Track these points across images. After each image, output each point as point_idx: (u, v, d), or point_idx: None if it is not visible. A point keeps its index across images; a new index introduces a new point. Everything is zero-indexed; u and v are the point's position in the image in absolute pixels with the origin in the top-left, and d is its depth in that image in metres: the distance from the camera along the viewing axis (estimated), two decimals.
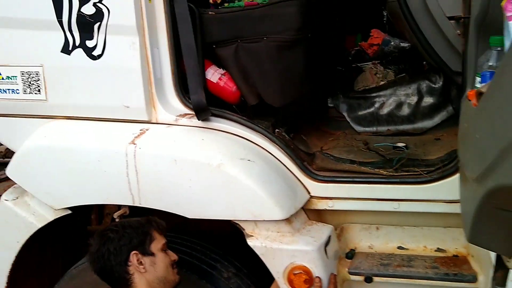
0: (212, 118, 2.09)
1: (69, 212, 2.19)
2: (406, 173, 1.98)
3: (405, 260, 2.06)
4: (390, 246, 2.16)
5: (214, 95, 2.21)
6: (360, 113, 2.53)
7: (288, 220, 1.94)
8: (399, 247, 2.14)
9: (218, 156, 1.93)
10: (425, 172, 1.94)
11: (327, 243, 1.95)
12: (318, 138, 2.47)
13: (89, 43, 2.06)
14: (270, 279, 1.99)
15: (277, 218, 1.89)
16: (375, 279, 2.00)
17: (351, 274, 2.02)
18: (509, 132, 0.84)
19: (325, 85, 2.61)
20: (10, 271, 2.29)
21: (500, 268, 1.45)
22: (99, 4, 2.01)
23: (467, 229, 1.31)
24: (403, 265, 2.02)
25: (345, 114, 2.57)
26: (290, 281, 1.89)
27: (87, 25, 2.04)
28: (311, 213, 2.12)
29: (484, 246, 1.36)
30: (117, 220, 2.15)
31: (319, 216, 2.15)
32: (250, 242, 1.93)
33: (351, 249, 2.15)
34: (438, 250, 2.08)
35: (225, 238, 2.24)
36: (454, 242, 2.05)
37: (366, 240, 2.18)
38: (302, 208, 2.07)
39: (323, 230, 2.01)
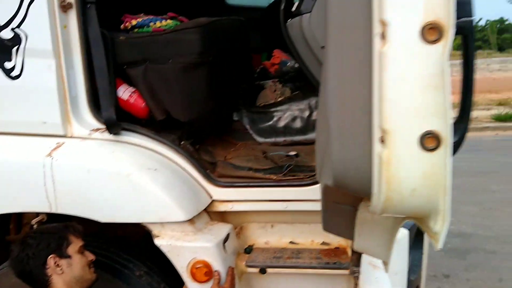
0: (123, 132, 2.34)
1: None
2: (292, 177, 2.31)
3: (294, 253, 2.39)
4: (283, 241, 2.48)
5: (126, 111, 2.46)
6: (261, 126, 2.85)
7: (191, 221, 2.21)
8: (291, 242, 2.47)
9: (127, 166, 2.18)
10: (307, 176, 2.27)
11: (225, 240, 2.24)
12: (223, 148, 2.76)
13: (8, 65, 2.25)
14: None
15: (180, 220, 2.16)
16: (269, 270, 2.31)
17: (248, 267, 2.32)
18: (320, 139, 1.15)
19: (230, 101, 2.91)
20: None
21: (354, 251, 1.79)
22: (17, 30, 2.20)
23: (322, 220, 1.65)
24: (293, 257, 2.35)
25: (248, 126, 2.88)
26: (192, 274, 2.16)
27: (6, 48, 2.23)
28: (214, 214, 2.41)
29: (334, 233, 1.69)
30: (35, 226, 2.35)
31: (222, 217, 2.44)
32: (157, 241, 2.18)
33: (249, 245, 2.45)
34: (323, 243, 2.42)
35: (140, 241, 2.48)
36: (337, 236, 2.40)
37: (263, 237, 2.50)
38: (205, 210, 2.35)
39: (222, 229, 2.30)
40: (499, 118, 12.77)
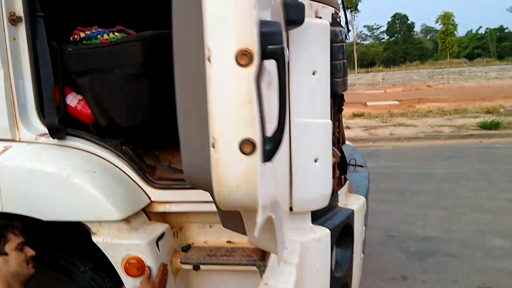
0: (68, 137, 2.51)
1: None
2: None
3: (228, 251, 2.56)
4: (221, 240, 2.65)
5: (74, 118, 2.64)
6: None
7: (126, 220, 2.38)
8: (228, 241, 2.64)
9: (67, 168, 2.35)
10: None
11: (159, 238, 2.41)
12: (171, 153, 2.93)
13: None
14: None
15: (115, 219, 2.33)
16: (202, 267, 2.49)
17: (182, 264, 2.49)
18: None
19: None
20: None
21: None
22: None
23: (220, 218, 1.83)
24: (226, 255, 2.52)
25: None
26: (126, 269, 2.33)
27: None
28: (154, 215, 2.58)
29: (233, 229, 1.87)
30: None
31: (163, 218, 2.61)
32: (94, 238, 2.36)
33: (188, 244, 2.63)
34: None
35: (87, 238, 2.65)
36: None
37: (202, 236, 2.67)
38: (144, 211, 2.53)
39: (158, 228, 2.47)
40: (484, 126, 12.97)
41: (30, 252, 2.27)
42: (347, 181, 2.94)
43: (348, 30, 3.34)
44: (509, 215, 6.14)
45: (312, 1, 2.33)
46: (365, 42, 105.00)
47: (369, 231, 5.77)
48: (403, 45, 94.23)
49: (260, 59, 1.02)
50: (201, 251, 2.58)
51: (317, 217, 2.44)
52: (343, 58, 2.54)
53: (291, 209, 2.32)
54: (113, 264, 2.36)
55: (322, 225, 2.42)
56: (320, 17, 2.40)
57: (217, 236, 2.66)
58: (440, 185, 7.69)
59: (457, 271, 4.72)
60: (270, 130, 1.09)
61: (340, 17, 3.12)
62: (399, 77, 48.77)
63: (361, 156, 3.97)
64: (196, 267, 2.49)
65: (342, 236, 2.64)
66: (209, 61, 1.04)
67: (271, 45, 1.02)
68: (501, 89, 25.08)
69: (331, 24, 2.63)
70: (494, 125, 12.85)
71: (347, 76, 2.65)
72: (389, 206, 6.74)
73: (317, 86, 2.19)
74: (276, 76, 1.07)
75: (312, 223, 2.42)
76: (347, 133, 13.62)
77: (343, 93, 3.70)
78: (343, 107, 2.85)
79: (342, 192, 2.76)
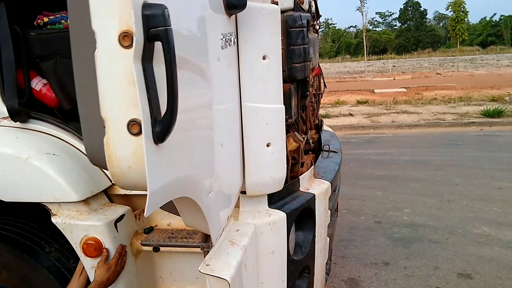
0: (31, 120, 2.56)
1: None
2: None
3: (189, 233, 2.60)
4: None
5: (39, 101, 2.68)
6: None
7: (86, 202, 2.43)
8: None
9: (27, 151, 2.40)
10: None
11: (118, 220, 2.46)
12: None
13: None
14: None
15: (73, 200, 2.38)
16: (162, 249, 2.53)
17: (142, 245, 2.54)
18: None
19: None
20: None
21: None
22: None
23: None
24: (186, 237, 2.56)
25: None
26: (84, 250, 2.38)
27: None
28: (117, 197, 2.63)
29: (170, 212, 1.91)
30: None
31: (127, 200, 2.66)
32: (53, 219, 2.41)
33: (151, 226, 2.67)
34: None
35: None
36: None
37: (166, 219, 2.71)
38: (106, 193, 2.57)
39: (118, 210, 2.51)
40: (487, 114, 12.86)
41: None
42: (312, 166, 2.96)
43: (319, 16, 3.33)
44: (497, 203, 6.13)
45: None
46: (377, 29, 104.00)
47: (356, 216, 5.84)
48: (415, 32, 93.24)
49: (144, 41, 1.05)
50: (162, 233, 2.62)
51: (275, 200, 2.48)
52: (303, 43, 2.54)
53: (244, 192, 2.36)
54: (72, 245, 2.41)
55: (278, 208, 2.45)
56: (277, 2, 2.41)
57: (180, 218, 2.69)
58: (434, 172, 7.68)
59: (439, 258, 4.74)
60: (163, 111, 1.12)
61: (307, 2, 3.13)
62: (410, 64, 48.32)
63: (338, 142, 3.98)
64: (156, 249, 2.53)
65: (303, 220, 2.68)
66: (95, 42, 1.07)
67: (155, 28, 1.04)
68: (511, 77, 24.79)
69: (292, 9, 2.65)
70: (497, 113, 12.74)
71: (308, 61, 2.65)
72: (380, 192, 6.76)
73: (268, 71, 2.20)
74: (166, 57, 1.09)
75: (269, 207, 2.45)
76: (350, 120, 13.62)
77: (323, 78, 3.71)
78: (307, 93, 2.85)
79: (305, 176, 2.79)
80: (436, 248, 4.96)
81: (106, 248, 2.38)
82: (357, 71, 41.30)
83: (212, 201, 1.69)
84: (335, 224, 3.48)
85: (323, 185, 2.88)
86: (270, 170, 2.32)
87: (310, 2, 3.26)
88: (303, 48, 2.55)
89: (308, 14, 2.75)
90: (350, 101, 17.65)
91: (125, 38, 1.04)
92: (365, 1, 36.96)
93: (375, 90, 22.09)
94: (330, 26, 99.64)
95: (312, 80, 3.64)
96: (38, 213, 2.71)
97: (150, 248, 2.55)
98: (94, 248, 2.37)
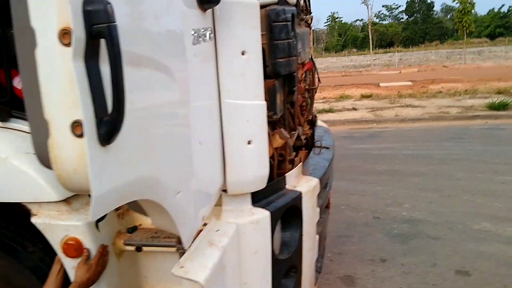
0: (12, 119, 2.52)
1: None
2: None
3: (173, 233, 2.56)
4: None
5: (22, 100, 2.64)
6: None
7: (66, 201, 2.39)
8: None
9: (6, 150, 2.36)
10: None
11: (99, 220, 2.42)
12: None
13: None
14: None
15: (53, 200, 2.34)
16: (144, 248, 2.49)
17: (125, 245, 2.50)
18: None
19: None
20: None
21: None
22: None
23: None
24: (169, 237, 2.52)
25: None
26: (64, 250, 2.35)
27: None
28: None
29: (139, 212, 1.87)
30: None
31: None
32: (33, 219, 2.37)
33: (134, 226, 2.63)
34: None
35: None
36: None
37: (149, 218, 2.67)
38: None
39: None
40: (492, 107, 12.72)
41: None
42: (300, 163, 2.90)
43: (310, 13, 3.27)
44: (499, 198, 6.05)
45: None
46: (384, 22, 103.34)
47: (354, 212, 5.78)
48: (422, 25, 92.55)
49: (86, 38, 1.00)
50: (146, 233, 2.58)
51: (259, 199, 2.43)
52: (288, 38, 2.49)
53: (225, 191, 2.32)
54: (52, 245, 2.38)
55: (263, 207, 2.41)
56: None
57: None
58: (436, 167, 7.59)
59: (438, 254, 4.67)
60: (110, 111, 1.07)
61: None
62: (417, 57, 47.98)
63: (331, 138, 3.93)
64: (139, 249, 2.49)
65: (289, 218, 2.63)
66: (35, 41, 1.02)
67: (97, 24, 0.99)
68: None
69: (277, 3, 2.59)
70: (502, 106, 12.59)
71: (294, 56, 2.59)
72: (380, 187, 6.69)
73: (247, 67, 2.15)
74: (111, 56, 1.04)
75: (253, 205, 2.40)
76: (353, 114, 13.52)
77: (317, 72, 3.63)
78: (295, 88, 2.78)
79: (291, 174, 2.73)
80: (435, 244, 4.89)
81: (86, 248, 2.34)
82: (363, 64, 41.08)
83: (181, 202, 1.64)
84: (326, 221, 3.42)
85: (311, 182, 2.83)
86: (252, 168, 2.27)
87: None
88: (288, 43, 2.50)
89: (294, 8, 2.68)
90: (354, 95, 17.53)
91: (65, 36, 0.99)
92: None
93: (381, 84, 21.93)
94: (336, 20, 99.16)
95: (303, 75, 3.58)
96: (22, 212, 2.69)
97: (132, 248, 2.51)
98: (75, 248, 2.33)
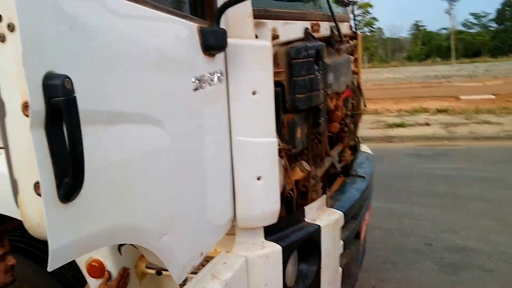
0: None
1: None
2: None
3: None
4: None
5: None
6: None
7: None
8: None
9: None
10: None
11: (122, 243, 2.57)
12: None
13: None
14: None
15: None
16: (164, 272, 2.62)
17: (147, 268, 2.64)
18: None
19: None
20: None
21: None
22: None
23: None
24: None
25: None
26: (88, 271, 2.52)
27: None
28: None
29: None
30: None
31: None
32: None
33: None
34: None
35: None
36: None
37: None
38: None
39: None
40: None
41: (11, 261, 2.49)
42: (324, 195, 2.91)
43: (340, 40, 3.27)
44: None
45: (266, 20, 2.35)
46: (471, 31, 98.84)
47: (406, 237, 5.64)
48: None
49: (46, 109, 1.11)
50: None
51: (273, 232, 2.47)
52: (309, 74, 2.53)
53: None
54: (79, 265, 2.56)
55: (275, 241, 2.45)
56: (277, 36, 2.41)
57: None
58: (502, 192, 7.20)
59: None
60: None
61: (326, 28, 3.09)
62: (505, 68, 45.40)
63: (371, 166, 3.88)
64: (159, 272, 2.62)
65: (306, 251, 2.65)
66: (4, 111, 1.16)
67: (55, 97, 1.11)
68: None
69: (302, 39, 2.64)
70: None
71: (318, 90, 2.62)
72: (438, 211, 6.46)
73: (258, 106, 2.22)
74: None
75: (266, 238, 2.45)
76: (425, 130, 13.10)
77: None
78: (320, 121, 2.80)
79: (312, 207, 2.75)
80: (486, 277, 4.67)
81: (108, 271, 2.50)
82: (446, 75, 39.47)
83: (168, 243, 1.73)
84: (357, 252, 3.39)
85: (333, 215, 2.84)
86: (261, 204, 2.33)
87: (333, 26, 3.20)
88: (309, 78, 2.53)
89: (320, 43, 2.71)
90: (430, 109, 16.93)
91: (27, 108, 1.11)
92: (454, 3, 35.00)
93: (461, 97, 21.02)
94: (420, 28, 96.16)
95: (341, 103, 3.56)
96: None
97: (153, 271, 2.64)
98: (98, 269, 2.50)
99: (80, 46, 1.25)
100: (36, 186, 1.15)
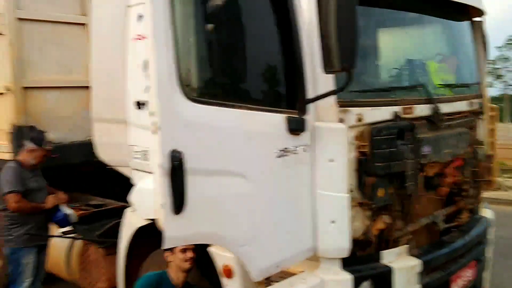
0: None
1: None
2: None
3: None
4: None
5: None
6: None
7: None
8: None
9: None
10: None
11: None
12: None
13: None
14: None
15: None
16: None
17: None
18: None
19: None
20: None
21: None
22: None
23: None
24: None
25: None
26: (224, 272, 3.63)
27: None
28: None
29: None
30: None
31: None
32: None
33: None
34: None
35: None
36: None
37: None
38: None
39: None
40: None
41: (190, 254, 3.64)
42: (406, 245, 3.56)
43: (440, 118, 3.84)
44: None
45: (351, 108, 3.24)
46: None
47: None
48: None
49: (169, 167, 2.29)
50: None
51: (350, 265, 3.29)
52: (390, 147, 3.32)
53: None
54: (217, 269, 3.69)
55: (349, 271, 3.25)
56: (362, 119, 3.27)
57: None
58: None
59: None
60: None
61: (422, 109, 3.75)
62: None
63: (481, 228, 4.29)
64: None
65: (379, 286, 3.36)
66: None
67: (174, 161, 2.28)
68: None
69: (392, 120, 3.44)
70: None
71: (399, 160, 3.36)
72: None
73: (333, 170, 3.12)
74: None
75: (343, 268, 3.27)
76: None
77: None
78: (405, 185, 3.47)
79: (390, 251, 3.47)
80: None
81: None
82: None
83: (247, 251, 2.76)
84: None
85: (411, 262, 3.49)
86: (334, 241, 3.18)
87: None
88: (389, 151, 3.33)
89: (405, 123, 3.47)
90: None
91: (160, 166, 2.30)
92: None
93: None
94: None
95: (451, 170, 4.09)
96: None
97: None
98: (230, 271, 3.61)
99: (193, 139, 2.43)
100: (162, 204, 2.33)
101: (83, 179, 5.33)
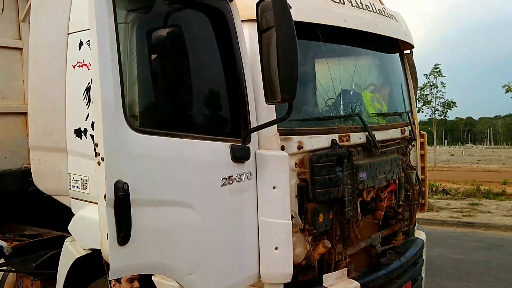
0: None
1: None
2: None
3: None
4: None
5: None
6: None
7: None
8: None
9: None
10: None
11: None
12: None
13: None
14: None
15: None
16: None
17: None
18: None
19: None
20: None
21: None
22: None
23: None
24: None
25: None
26: None
27: None
28: None
29: None
30: None
31: None
32: None
33: None
34: None
35: None
36: None
37: None
38: None
39: None
40: None
41: (136, 284, 3.61)
42: (345, 268, 3.70)
43: (375, 145, 4.04)
44: None
45: (292, 136, 3.35)
46: None
47: None
48: None
49: (114, 198, 2.29)
50: None
51: None
52: (329, 174, 3.44)
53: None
54: None
55: None
56: (302, 146, 3.39)
57: None
58: None
59: None
60: None
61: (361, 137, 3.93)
62: None
63: (415, 250, 4.51)
64: None
65: None
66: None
67: (118, 193, 2.28)
68: None
69: (330, 148, 3.58)
70: None
71: (337, 186, 3.50)
72: None
73: (277, 197, 3.20)
74: None
75: None
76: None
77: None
78: (344, 210, 3.61)
79: (331, 275, 3.58)
80: None
81: None
82: None
83: (193, 280, 2.77)
84: None
85: (350, 284, 3.61)
86: (277, 267, 3.25)
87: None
88: (328, 178, 3.45)
89: (342, 151, 3.62)
90: None
91: (105, 197, 2.29)
92: None
93: None
94: None
95: (385, 195, 4.30)
96: None
97: None
98: None
99: (138, 169, 2.43)
100: (107, 235, 2.31)
101: (17, 208, 5.13)
